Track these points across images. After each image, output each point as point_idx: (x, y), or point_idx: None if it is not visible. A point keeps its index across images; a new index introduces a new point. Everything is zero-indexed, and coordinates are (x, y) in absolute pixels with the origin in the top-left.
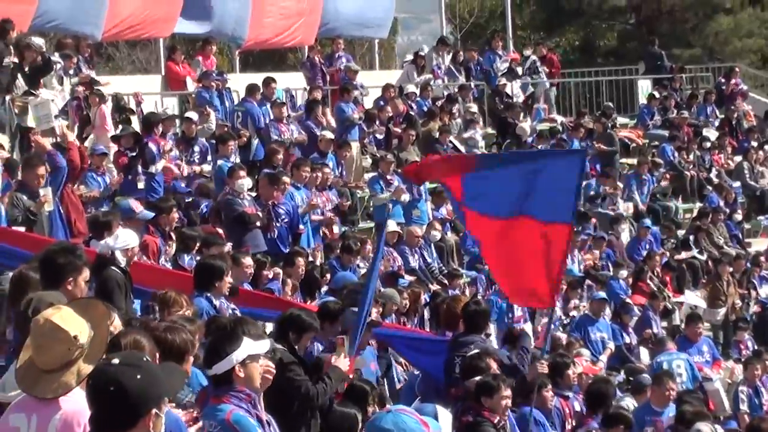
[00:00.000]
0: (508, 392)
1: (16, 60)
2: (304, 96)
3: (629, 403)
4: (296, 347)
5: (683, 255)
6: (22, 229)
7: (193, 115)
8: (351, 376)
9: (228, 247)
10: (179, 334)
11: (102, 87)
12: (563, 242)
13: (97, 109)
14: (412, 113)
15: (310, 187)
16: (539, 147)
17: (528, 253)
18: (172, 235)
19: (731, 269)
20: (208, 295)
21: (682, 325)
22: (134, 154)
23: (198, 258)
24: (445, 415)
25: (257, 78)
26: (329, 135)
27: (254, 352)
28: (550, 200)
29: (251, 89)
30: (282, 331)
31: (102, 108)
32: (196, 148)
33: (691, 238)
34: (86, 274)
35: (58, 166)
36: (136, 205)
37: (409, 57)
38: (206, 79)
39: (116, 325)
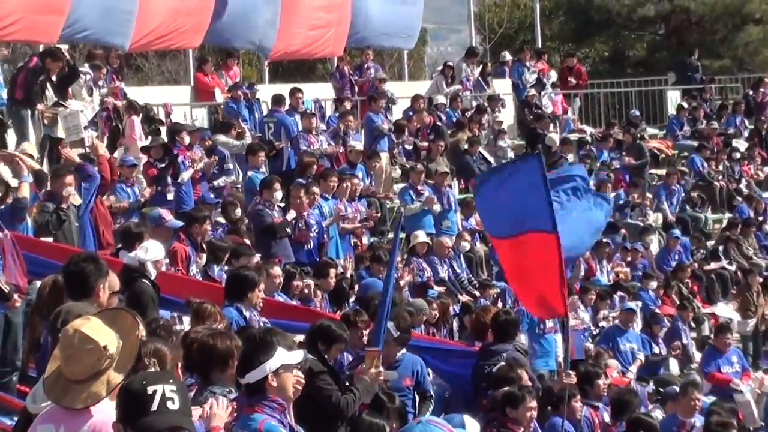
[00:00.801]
0: (533, 404)
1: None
2: (333, 107)
3: (659, 415)
4: (326, 357)
5: (712, 266)
6: (50, 239)
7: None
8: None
9: (257, 258)
10: (223, 340)
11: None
12: (553, 251)
13: (127, 118)
14: (439, 124)
15: (340, 197)
16: (568, 156)
17: (530, 267)
18: (204, 245)
19: (761, 280)
20: (239, 305)
21: (712, 336)
22: (163, 165)
23: (226, 269)
24: (473, 425)
25: (286, 89)
26: (359, 146)
27: (288, 362)
28: (527, 210)
29: (278, 100)
30: (312, 342)
31: (132, 118)
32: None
33: (721, 248)
34: (113, 282)
35: (92, 176)
36: (165, 213)
37: (439, 68)
38: (235, 91)
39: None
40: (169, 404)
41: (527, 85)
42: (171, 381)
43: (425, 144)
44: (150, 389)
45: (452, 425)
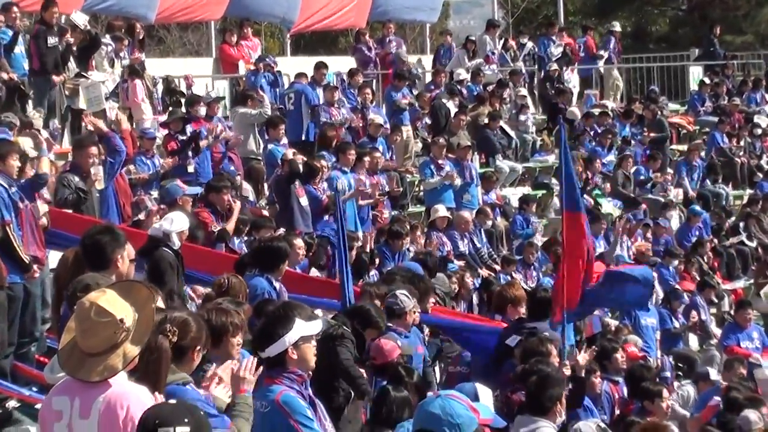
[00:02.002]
0: None
1: (69, 40)
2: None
3: (691, 390)
4: None
5: (730, 240)
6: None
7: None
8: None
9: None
10: (219, 316)
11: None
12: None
13: (130, 83)
14: (433, 102)
15: (359, 171)
16: (590, 130)
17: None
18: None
19: None
20: (269, 276)
21: (731, 311)
22: (184, 138)
23: (245, 240)
24: (486, 392)
25: (308, 61)
26: (379, 119)
27: (307, 334)
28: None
29: (300, 76)
30: (349, 319)
31: (135, 82)
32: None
33: (741, 224)
34: (130, 251)
35: (117, 150)
36: (181, 184)
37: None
38: (257, 63)
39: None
40: None
41: (553, 59)
42: (186, 421)
43: (428, 122)
44: (161, 430)
45: (464, 393)
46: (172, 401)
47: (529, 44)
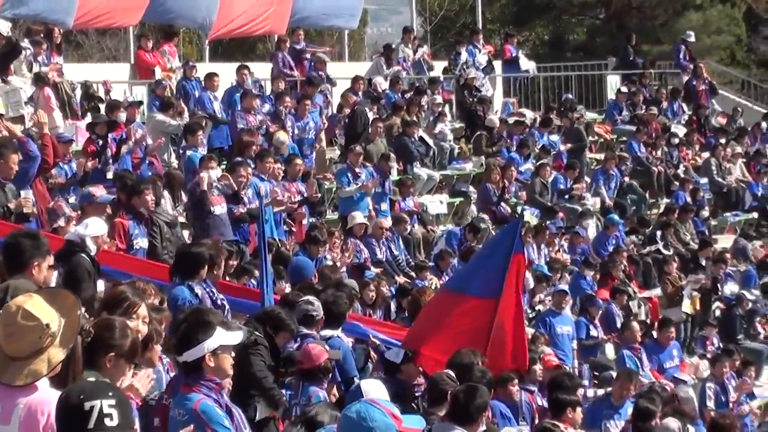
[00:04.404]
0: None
1: None
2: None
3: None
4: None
5: (646, 249)
6: None
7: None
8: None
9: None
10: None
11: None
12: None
13: (38, 91)
14: (355, 109)
15: (277, 179)
16: (505, 134)
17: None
18: (151, 218)
19: (677, 265)
20: (190, 283)
21: (647, 320)
22: (102, 143)
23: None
24: (372, 385)
25: (226, 68)
26: (286, 141)
27: (226, 343)
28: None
29: (207, 80)
30: (260, 324)
31: (45, 89)
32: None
33: (659, 234)
34: (50, 260)
35: (31, 155)
36: (95, 189)
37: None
38: (186, 69)
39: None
40: (107, 421)
41: (479, 67)
42: (110, 394)
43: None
44: (87, 405)
45: (356, 396)
46: (91, 378)
47: (464, 54)
